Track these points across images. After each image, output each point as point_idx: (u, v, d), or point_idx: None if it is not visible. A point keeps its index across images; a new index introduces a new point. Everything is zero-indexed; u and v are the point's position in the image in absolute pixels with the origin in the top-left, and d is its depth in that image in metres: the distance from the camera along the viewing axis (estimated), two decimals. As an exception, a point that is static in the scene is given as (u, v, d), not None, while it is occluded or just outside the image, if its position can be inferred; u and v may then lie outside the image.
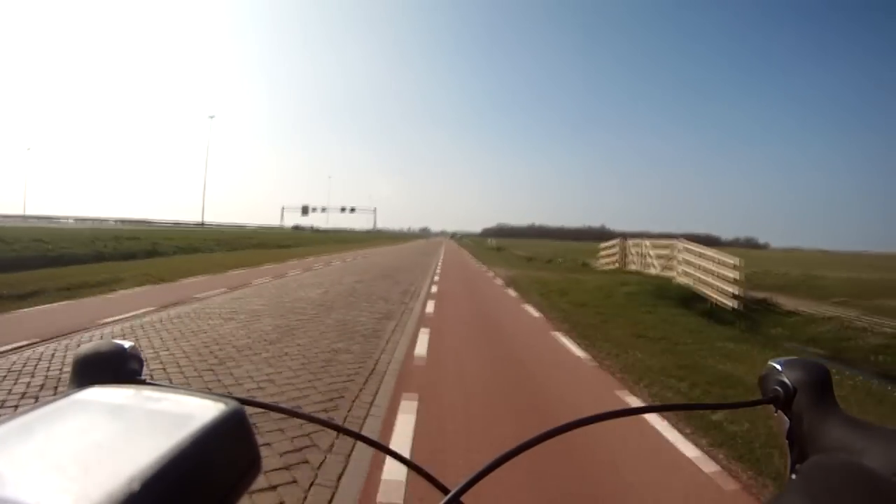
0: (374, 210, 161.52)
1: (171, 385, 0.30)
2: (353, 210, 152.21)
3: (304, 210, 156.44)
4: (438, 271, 12.59)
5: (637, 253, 15.69)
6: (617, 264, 16.63)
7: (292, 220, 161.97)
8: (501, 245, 54.15)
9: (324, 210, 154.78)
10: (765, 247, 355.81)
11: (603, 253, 18.35)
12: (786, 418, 0.36)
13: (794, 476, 0.31)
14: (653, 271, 14.34)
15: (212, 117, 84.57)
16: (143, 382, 0.35)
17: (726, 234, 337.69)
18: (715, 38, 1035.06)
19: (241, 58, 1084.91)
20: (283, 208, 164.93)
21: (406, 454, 0.44)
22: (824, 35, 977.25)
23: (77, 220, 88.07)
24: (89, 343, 0.36)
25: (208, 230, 51.30)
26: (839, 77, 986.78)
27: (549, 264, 22.03)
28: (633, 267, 15.78)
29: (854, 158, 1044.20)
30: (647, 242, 15.14)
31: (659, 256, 14.42)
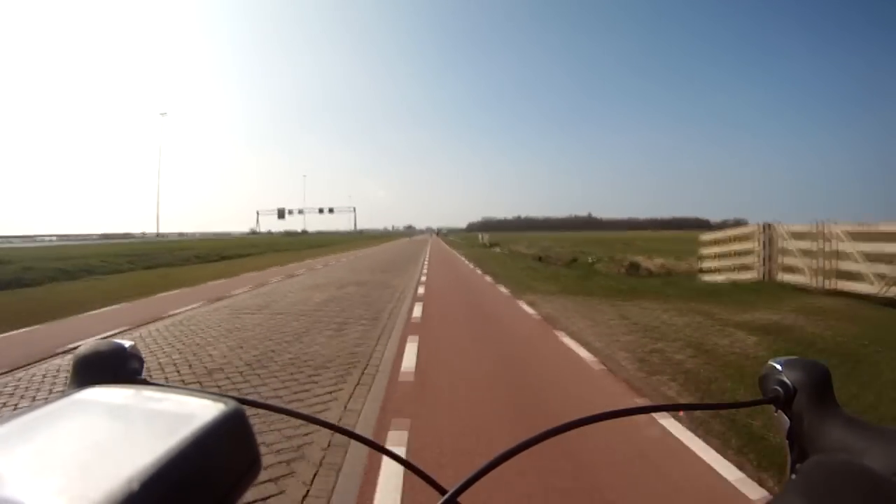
0: (354, 210, 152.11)
1: (170, 385, 0.29)
2: (331, 211, 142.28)
3: (281, 213, 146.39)
4: (414, 348, 4.20)
5: (802, 251, 8.13)
6: (754, 271, 9.05)
7: (268, 224, 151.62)
8: (495, 240, 46.50)
9: (300, 212, 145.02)
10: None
11: (714, 250, 10.47)
12: (786, 418, 0.36)
13: (794, 476, 0.31)
14: (861, 287, 6.85)
15: (163, 114, 75.35)
16: (143, 382, 0.35)
17: (714, 217, 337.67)
18: (703, 25, 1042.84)
19: (216, 61, 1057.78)
20: (257, 212, 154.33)
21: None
22: (817, 20, 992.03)
23: (59, 237, 77.63)
24: (89, 343, 0.35)
25: (153, 242, 43.41)
26: (833, 62, 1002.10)
27: (578, 267, 14.56)
28: (791, 278, 8.26)
29: (842, 141, 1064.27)
30: (841, 229, 7.51)
31: (875, 258, 6.94)
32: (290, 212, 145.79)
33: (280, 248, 32.69)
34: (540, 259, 24.33)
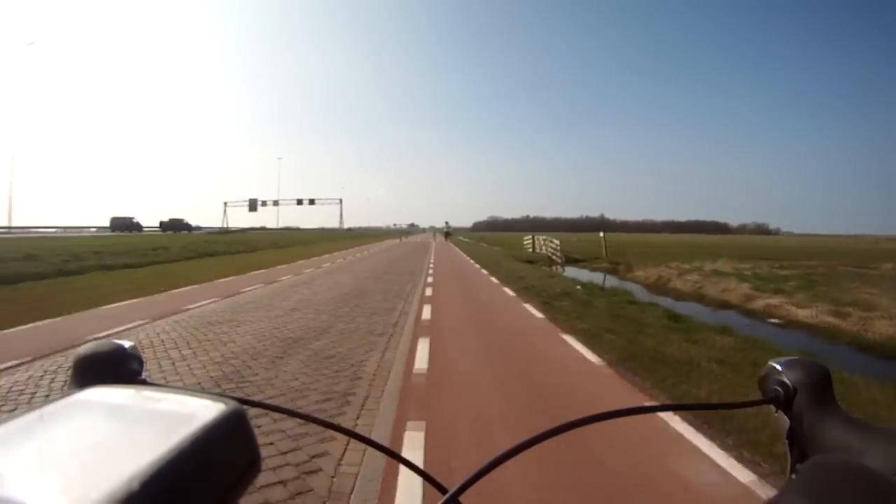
0: (341, 202, 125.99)
1: (171, 385, 0.29)
2: (312, 202, 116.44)
3: (252, 205, 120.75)
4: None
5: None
6: None
7: (238, 218, 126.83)
8: (568, 248, 22.84)
9: (276, 203, 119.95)
10: (776, 233, 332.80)
11: None
12: (786, 418, 0.36)
13: (794, 476, 0.31)
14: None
15: (31, 43, 51.33)
16: (144, 383, 0.35)
17: (734, 221, 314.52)
18: (709, 30, 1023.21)
19: (218, 48, 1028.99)
20: (225, 204, 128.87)
21: None
22: (821, 27, 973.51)
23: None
24: (89, 343, 0.35)
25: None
26: (835, 69, 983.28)
27: None
28: None
29: (848, 147, 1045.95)
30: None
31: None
32: (264, 203, 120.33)
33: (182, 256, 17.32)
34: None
